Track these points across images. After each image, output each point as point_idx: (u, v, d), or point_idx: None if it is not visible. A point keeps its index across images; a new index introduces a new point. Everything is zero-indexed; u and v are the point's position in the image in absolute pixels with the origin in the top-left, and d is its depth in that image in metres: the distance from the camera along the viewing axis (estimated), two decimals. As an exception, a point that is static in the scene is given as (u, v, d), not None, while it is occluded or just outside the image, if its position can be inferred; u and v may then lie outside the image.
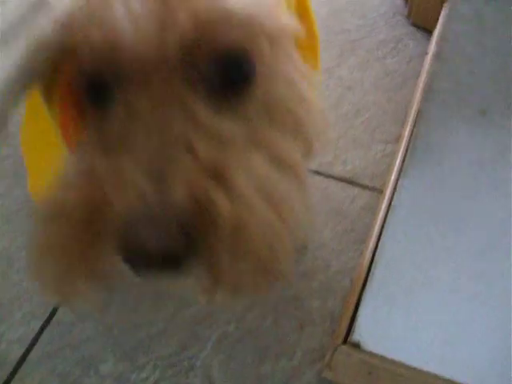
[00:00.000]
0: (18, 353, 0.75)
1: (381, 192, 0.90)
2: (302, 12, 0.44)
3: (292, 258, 0.30)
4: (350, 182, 0.92)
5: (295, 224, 0.31)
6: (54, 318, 0.78)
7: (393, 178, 0.90)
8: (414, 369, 0.64)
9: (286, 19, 0.34)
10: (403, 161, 0.92)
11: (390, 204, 0.87)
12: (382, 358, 0.65)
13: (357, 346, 0.65)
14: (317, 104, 0.36)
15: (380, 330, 0.63)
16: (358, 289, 0.79)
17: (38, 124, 0.45)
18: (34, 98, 0.35)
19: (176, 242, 0.27)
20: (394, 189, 0.89)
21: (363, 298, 0.67)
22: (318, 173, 0.93)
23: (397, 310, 0.60)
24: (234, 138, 0.31)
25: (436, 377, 0.63)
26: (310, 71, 0.37)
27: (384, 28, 1.25)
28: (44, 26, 0.28)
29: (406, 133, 0.97)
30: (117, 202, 0.28)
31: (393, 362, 0.64)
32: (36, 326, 0.78)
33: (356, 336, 0.64)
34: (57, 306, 0.79)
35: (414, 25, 1.25)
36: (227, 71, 0.31)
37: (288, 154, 0.33)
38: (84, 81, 0.32)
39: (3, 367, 0.74)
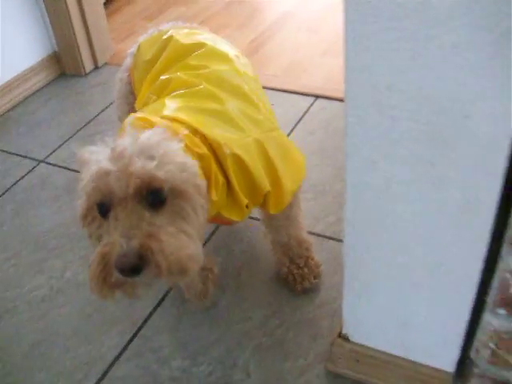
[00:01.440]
0: (111, 356, 1.08)
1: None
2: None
3: (186, 268, 0.77)
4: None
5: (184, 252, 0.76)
6: (139, 334, 1.12)
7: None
8: (386, 353, 0.92)
9: (194, 184, 0.81)
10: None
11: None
12: (364, 347, 0.94)
13: (346, 338, 0.95)
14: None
15: (362, 324, 0.92)
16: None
17: None
18: None
19: (136, 264, 0.72)
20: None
21: (344, 298, 0.94)
22: (330, 238, 1.26)
23: (370, 305, 0.90)
24: (160, 224, 0.75)
25: (402, 359, 0.92)
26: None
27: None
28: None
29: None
30: (112, 252, 0.73)
31: (372, 350, 0.93)
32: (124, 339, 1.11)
33: (344, 330, 0.94)
34: (141, 326, 1.13)
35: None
36: (155, 196, 0.76)
37: (186, 228, 0.78)
38: (97, 206, 0.78)
39: (97, 364, 1.07)
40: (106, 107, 1.89)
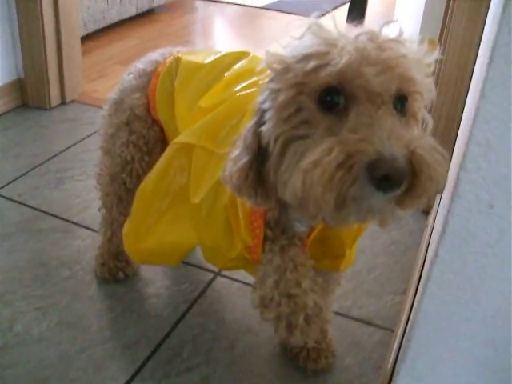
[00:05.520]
0: None
1: (392, 331, 1.06)
2: None
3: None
4: (366, 322, 1.08)
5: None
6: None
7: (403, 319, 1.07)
8: None
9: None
10: (411, 307, 1.10)
11: (401, 340, 1.03)
12: None
13: None
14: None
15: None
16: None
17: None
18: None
19: (404, 177, 0.53)
20: (405, 328, 1.05)
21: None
22: (339, 314, 1.10)
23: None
24: (406, 130, 0.59)
25: None
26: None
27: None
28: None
29: (412, 288, 1.16)
30: (370, 151, 0.53)
31: None
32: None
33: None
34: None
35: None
36: (402, 101, 0.60)
37: (435, 143, 0.59)
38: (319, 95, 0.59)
39: None
40: (72, 145, 1.69)
